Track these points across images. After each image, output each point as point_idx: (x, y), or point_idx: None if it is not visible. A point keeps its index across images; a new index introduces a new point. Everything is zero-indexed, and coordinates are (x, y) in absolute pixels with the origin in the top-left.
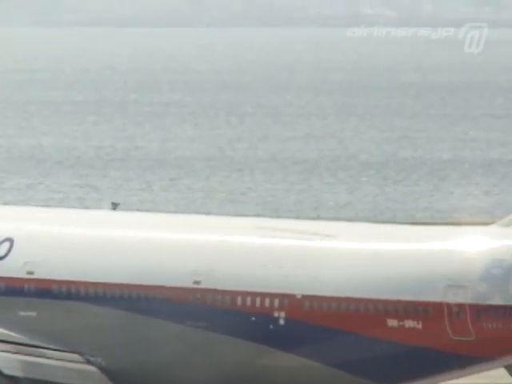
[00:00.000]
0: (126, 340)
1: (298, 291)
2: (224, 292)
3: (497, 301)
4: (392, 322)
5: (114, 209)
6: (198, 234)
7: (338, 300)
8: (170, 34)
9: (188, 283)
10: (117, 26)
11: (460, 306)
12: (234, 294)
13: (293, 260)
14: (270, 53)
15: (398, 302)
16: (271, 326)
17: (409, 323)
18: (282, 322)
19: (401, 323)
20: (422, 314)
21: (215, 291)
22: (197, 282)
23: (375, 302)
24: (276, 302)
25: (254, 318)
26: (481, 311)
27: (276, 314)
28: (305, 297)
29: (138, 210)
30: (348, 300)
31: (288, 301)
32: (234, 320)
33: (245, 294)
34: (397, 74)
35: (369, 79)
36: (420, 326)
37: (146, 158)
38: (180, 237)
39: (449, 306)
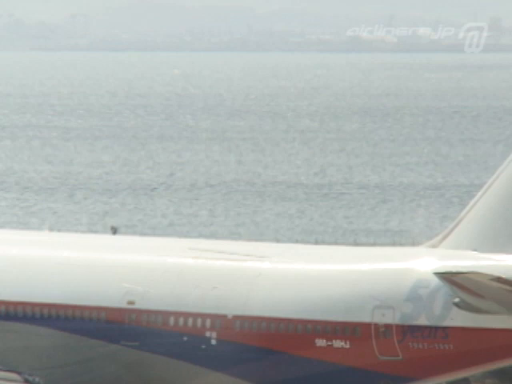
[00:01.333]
0: (63, 359)
1: (230, 312)
2: (157, 312)
3: (423, 321)
4: (320, 342)
5: (114, 233)
6: (133, 255)
7: (268, 320)
8: (169, 59)
9: (122, 304)
10: (116, 50)
11: (387, 326)
12: (166, 314)
13: (225, 281)
14: (264, 77)
15: (327, 322)
16: (203, 346)
17: (337, 343)
18: (213, 342)
19: (329, 343)
20: (350, 334)
21: (149, 312)
22: (131, 303)
23: (304, 323)
24: (208, 323)
25: (186, 338)
26: (407, 331)
27: (208, 334)
28: (236, 317)
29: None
30: (278, 320)
31: (219, 321)
32: (167, 340)
33: (177, 314)
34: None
35: (348, 103)
36: (348, 345)
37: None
38: (115, 258)
39: (376, 326)
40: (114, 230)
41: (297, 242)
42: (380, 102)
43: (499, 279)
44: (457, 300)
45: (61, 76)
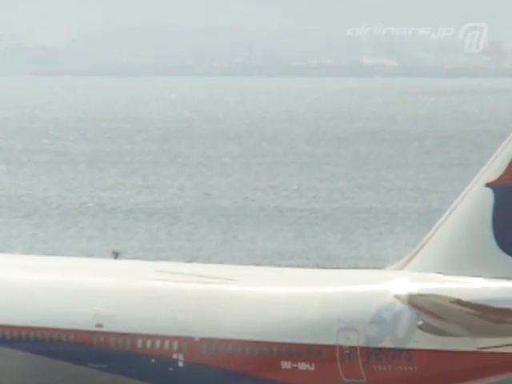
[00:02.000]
0: (32, 381)
1: (197, 334)
2: (125, 335)
3: (387, 344)
4: (286, 364)
5: (116, 257)
6: (101, 278)
7: (234, 343)
8: (170, 83)
9: (91, 326)
10: (118, 75)
11: (352, 348)
12: (134, 336)
13: (192, 303)
14: (262, 101)
15: (292, 344)
16: (170, 368)
17: (302, 365)
18: (180, 364)
19: (294, 365)
20: (315, 357)
21: (117, 334)
22: (99, 325)
23: (270, 345)
24: (175, 345)
25: (153, 360)
26: (372, 354)
27: (175, 357)
28: (203, 339)
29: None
30: (244, 343)
31: (186, 343)
32: (135, 362)
33: (145, 336)
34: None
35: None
36: (313, 368)
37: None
38: (83, 280)
39: (341, 348)
40: (116, 255)
41: (271, 264)
42: (377, 126)
43: (459, 301)
44: (420, 323)
45: (60, 100)
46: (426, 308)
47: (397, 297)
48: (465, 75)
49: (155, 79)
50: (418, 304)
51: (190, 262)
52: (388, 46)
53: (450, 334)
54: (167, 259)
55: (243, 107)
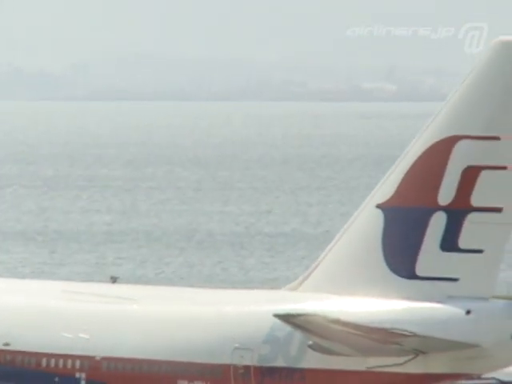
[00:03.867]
0: None
1: (98, 353)
2: (31, 354)
3: (280, 363)
4: (182, 383)
5: (114, 282)
6: (7, 297)
7: (134, 361)
8: (169, 108)
9: None
10: (116, 100)
11: (246, 368)
12: (39, 355)
13: (94, 323)
14: (258, 126)
15: (189, 363)
16: None
17: None
18: (83, 382)
19: None
20: (210, 376)
21: (23, 353)
22: (6, 344)
23: (167, 364)
24: (77, 364)
25: (57, 379)
26: (265, 373)
27: (78, 375)
28: (103, 358)
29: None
30: (143, 361)
31: (88, 362)
32: (40, 381)
33: (50, 355)
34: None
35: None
36: None
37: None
38: None
39: (235, 368)
40: (114, 279)
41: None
42: (367, 151)
43: (338, 321)
44: (311, 342)
45: (54, 126)
46: (304, 327)
47: (277, 316)
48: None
49: (154, 104)
50: (296, 323)
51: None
52: (387, 71)
53: (339, 354)
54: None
55: (235, 133)
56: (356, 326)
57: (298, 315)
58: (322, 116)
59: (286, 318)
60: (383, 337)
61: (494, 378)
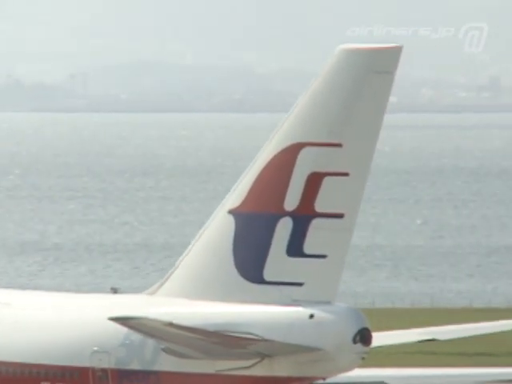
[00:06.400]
0: None
1: None
2: None
3: (135, 366)
4: None
5: (115, 293)
6: None
7: (1, 364)
8: (167, 119)
9: None
10: (115, 111)
11: (103, 370)
12: None
13: None
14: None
15: (50, 366)
16: None
17: None
18: None
19: None
20: (71, 378)
21: None
22: None
23: (30, 367)
24: None
25: None
26: (123, 376)
27: None
28: None
29: None
30: (9, 364)
31: None
32: None
33: None
34: None
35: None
36: None
37: None
38: None
39: (94, 370)
40: (115, 291)
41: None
42: None
43: (172, 325)
44: (163, 345)
45: (51, 137)
46: (140, 330)
47: (112, 319)
48: (464, 111)
49: (152, 116)
50: (132, 326)
51: None
52: None
53: (190, 357)
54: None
55: (226, 143)
56: (193, 330)
57: (132, 318)
58: None
59: (121, 320)
60: (225, 340)
61: (382, 382)
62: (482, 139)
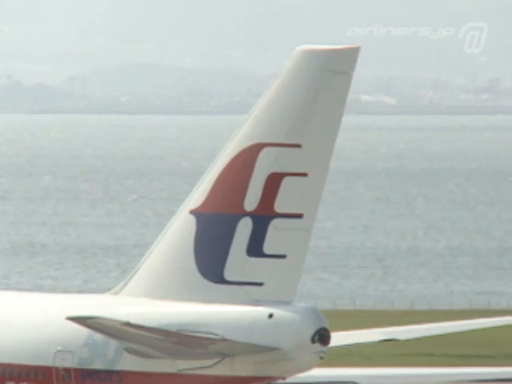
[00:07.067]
0: None
1: None
2: None
3: (98, 365)
4: None
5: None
6: None
7: None
8: (167, 122)
9: None
10: (115, 113)
11: (67, 370)
12: None
13: None
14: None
15: (15, 365)
16: None
17: None
18: None
19: None
20: (35, 378)
21: None
22: None
23: None
24: None
25: None
26: (86, 375)
27: None
28: None
29: None
30: None
31: None
32: None
33: None
34: None
35: None
36: None
37: None
38: None
39: (57, 370)
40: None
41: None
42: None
43: (129, 324)
44: (125, 345)
45: (48, 139)
46: (98, 330)
47: (70, 319)
48: (463, 113)
49: (152, 117)
50: (91, 326)
51: None
52: (386, 83)
53: (150, 356)
54: None
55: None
56: (150, 330)
57: (89, 318)
58: None
59: (78, 320)
60: (183, 340)
61: (353, 382)
62: (483, 140)
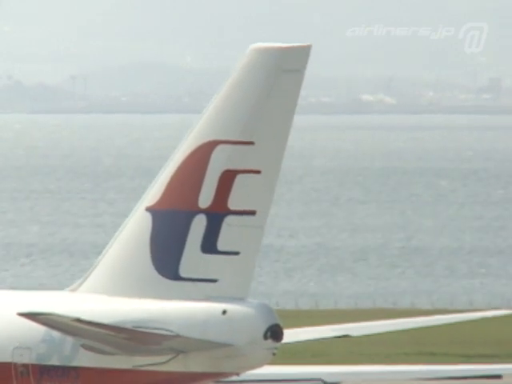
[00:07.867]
0: None
1: None
2: None
3: (55, 362)
4: None
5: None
6: None
7: None
8: (167, 121)
9: None
10: (115, 112)
11: (25, 366)
12: None
13: None
14: None
15: None
16: None
17: None
18: None
19: None
20: None
21: None
22: None
23: None
24: None
25: None
26: (43, 371)
27: None
28: None
29: None
30: None
31: None
32: None
33: None
34: None
35: None
36: None
37: None
38: None
39: (16, 366)
40: None
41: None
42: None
43: (79, 320)
44: (82, 341)
45: (49, 139)
46: (50, 326)
47: (20, 315)
48: (463, 112)
49: (153, 117)
50: (43, 322)
51: None
52: (386, 83)
53: (106, 352)
54: None
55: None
56: (101, 326)
57: (40, 314)
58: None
59: (29, 316)
60: (136, 336)
61: (320, 380)
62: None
